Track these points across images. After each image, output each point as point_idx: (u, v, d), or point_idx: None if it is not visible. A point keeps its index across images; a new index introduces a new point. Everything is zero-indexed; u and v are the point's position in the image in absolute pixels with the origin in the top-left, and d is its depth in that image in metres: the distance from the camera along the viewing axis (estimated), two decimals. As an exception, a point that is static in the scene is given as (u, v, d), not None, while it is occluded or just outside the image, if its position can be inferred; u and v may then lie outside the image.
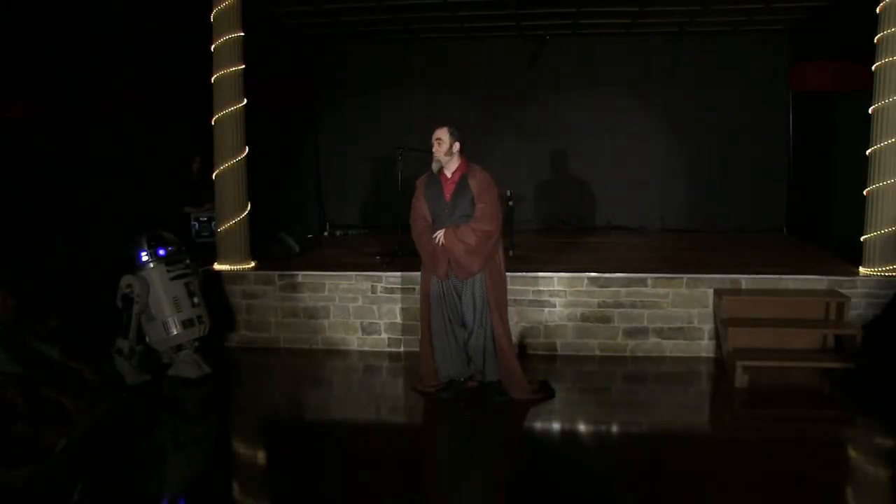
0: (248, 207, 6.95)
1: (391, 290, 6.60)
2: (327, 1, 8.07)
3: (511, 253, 7.42)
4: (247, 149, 6.87)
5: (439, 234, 5.20)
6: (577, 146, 9.59)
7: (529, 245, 7.99)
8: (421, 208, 5.33)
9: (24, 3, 8.17)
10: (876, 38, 6.18)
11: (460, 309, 5.28)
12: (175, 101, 9.49)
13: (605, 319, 6.42)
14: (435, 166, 5.28)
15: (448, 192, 5.24)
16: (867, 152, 6.29)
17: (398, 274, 6.62)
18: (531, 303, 6.47)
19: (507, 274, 6.48)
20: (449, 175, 5.26)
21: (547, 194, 9.78)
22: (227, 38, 6.62)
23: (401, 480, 4.28)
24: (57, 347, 5.23)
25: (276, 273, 6.78)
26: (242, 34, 6.71)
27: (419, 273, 6.49)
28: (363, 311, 6.66)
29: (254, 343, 6.81)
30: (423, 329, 5.45)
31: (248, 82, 6.82)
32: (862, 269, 6.36)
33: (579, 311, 6.45)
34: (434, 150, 5.24)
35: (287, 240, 7.65)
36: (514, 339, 6.48)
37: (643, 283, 6.36)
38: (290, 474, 4.29)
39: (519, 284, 6.46)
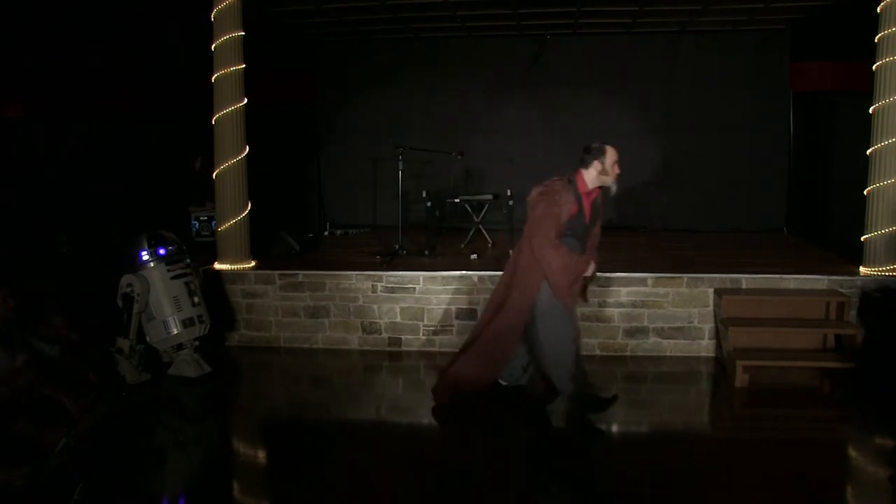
0: (249, 207, 6.94)
1: (392, 290, 6.60)
2: (328, 0, 8.07)
3: (511, 253, 7.43)
4: (247, 148, 6.87)
5: (593, 267, 4.86)
6: (577, 145, 9.50)
7: (529, 245, 7.98)
8: (559, 225, 4.68)
9: (25, 3, 8.17)
10: (876, 38, 6.18)
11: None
12: (175, 100, 9.50)
13: (605, 319, 6.42)
14: (614, 188, 4.82)
15: (588, 209, 4.82)
16: (867, 152, 6.29)
17: (399, 273, 6.62)
18: (531, 302, 6.46)
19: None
20: (589, 191, 4.80)
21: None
22: (228, 37, 6.61)
23: (401, 480, 4.28)
24: (57, 347, 5.22)
25: (277, 272, 6.78)
26: (243, 33, 6.71)
27: (419, 273, 6.56)
28: (364, 310, 6.66)
29: (254, 342, 6.81)
30: (505, 335, 4.92)
31: (249, 81, 6.82)
32: (862, 269, 6.36)
33: (579, 310, 6.43)
34: (616, 173, 4.77)
35: (287, 239, 7.66)
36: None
37: (643, 282, 6.36)
38: (291, 474, 4.29)
39: (519, 284, 6.45)
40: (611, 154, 4.73)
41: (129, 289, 5.70)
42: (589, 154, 4.79)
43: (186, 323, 5.83)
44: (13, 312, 4.99)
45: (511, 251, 7.34)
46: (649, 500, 3.94)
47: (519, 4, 8.16)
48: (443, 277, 6.56)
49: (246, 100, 6.79)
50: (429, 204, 8.36)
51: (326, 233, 9.84)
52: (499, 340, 4.92)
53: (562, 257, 4.63)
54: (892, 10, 6.04)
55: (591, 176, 4.77)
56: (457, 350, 6.44)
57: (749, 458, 4.41)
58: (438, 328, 6.57)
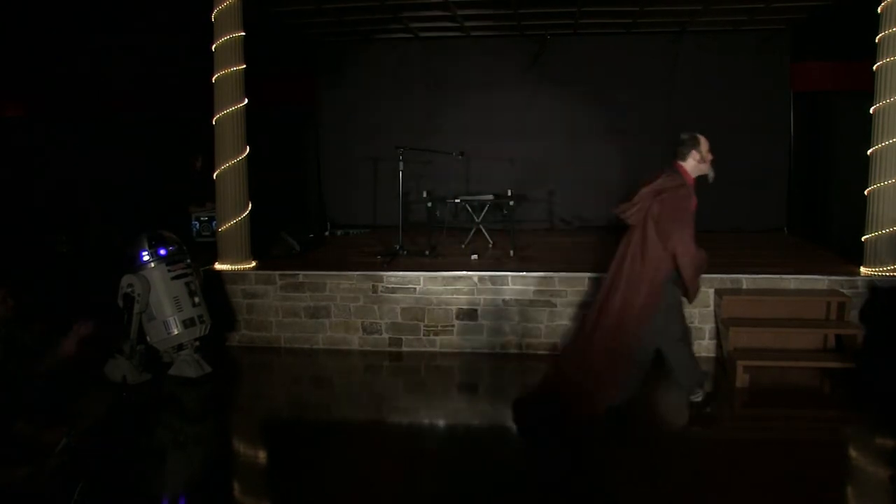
0: (249, 207, 6.94)
1: (392, 290, 6.60)
2: (328, 0, 8.07)
3: (511, 253, 7.44)
4: (247, 148, 6.87)
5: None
6: (577, 145, 9.59)
7: (529, 245, 8.00)
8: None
9: (25, 4, 8.18)
10: (876, 38, 6.18)
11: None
12: (175, 100, 9.51)
13: (606, 319, 6.40)
14: (712, 175, 4.74)
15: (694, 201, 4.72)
16: (868, 152, 6.29)
17: (399, 274, 6.62)
18: (532, 303, 6.47)
19: (509, 274, 6.54)
20: (693, 182, 4.71)
21: (547, 194, 9.78)
22: (228, 37, 6.61)
23: (401, 480, 4.28)
24: (57, 347, 5.21)
25: (277, 273, 6.78)
26: (243, 33, 6.71)
27: (419, 273, 6.56)
28: (364, 310, 6.65)
29: (254, 342, 6.81)
30: (627, 344, 4.74)
31: (249, 82, 6.82)
32: (862, 269, 6.35)
33: (577, 310, 6.44)
34: (710, 158, 4.69)
35: (288, 239, 7.66)
36: (517, 338, 6.52)
37: (643, 282, 6.35)
38: (290, 474, 4.30)
39: (519, 284, 6.46)
40: (704, 142, 4.69)
41: (129, 289, 5.70)
42: (684, 146, 4.70)
43: (187, 323, 5.83)
44: (13, 312, 4.99)
45: (511, 251, 7.39)
46: (649, 500, 3.94)
47: (519, 4, 8.16)
48: (443, 278, 6.56)
49: (246, 100, 6.79)
50: (429, 204, 8.37)
51: (327, 233, 9.83)
52: (638, 348, 4.79)
53: (697, 254, 4.61)
54: (893, 10, 6.03)
55: (690, 166, 4.70)
56: (458, 351, 6.53)
57: (749, 458, 4.41)
58: (439, 328, 6.57)
